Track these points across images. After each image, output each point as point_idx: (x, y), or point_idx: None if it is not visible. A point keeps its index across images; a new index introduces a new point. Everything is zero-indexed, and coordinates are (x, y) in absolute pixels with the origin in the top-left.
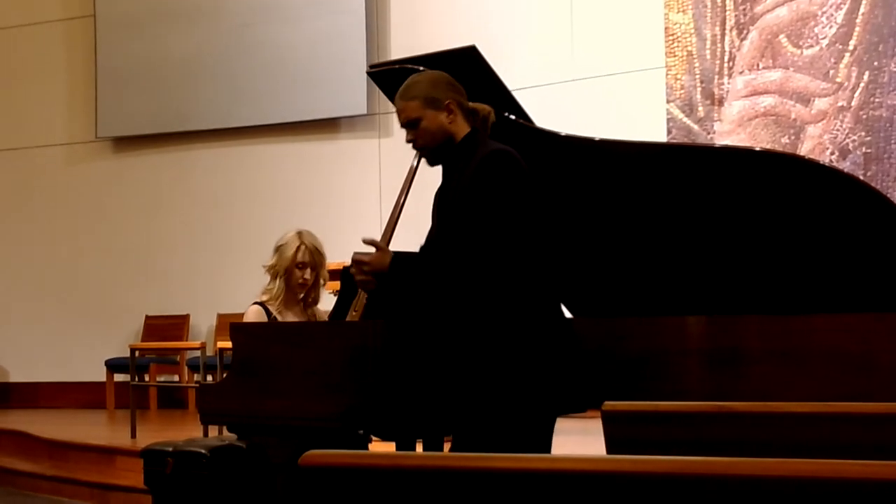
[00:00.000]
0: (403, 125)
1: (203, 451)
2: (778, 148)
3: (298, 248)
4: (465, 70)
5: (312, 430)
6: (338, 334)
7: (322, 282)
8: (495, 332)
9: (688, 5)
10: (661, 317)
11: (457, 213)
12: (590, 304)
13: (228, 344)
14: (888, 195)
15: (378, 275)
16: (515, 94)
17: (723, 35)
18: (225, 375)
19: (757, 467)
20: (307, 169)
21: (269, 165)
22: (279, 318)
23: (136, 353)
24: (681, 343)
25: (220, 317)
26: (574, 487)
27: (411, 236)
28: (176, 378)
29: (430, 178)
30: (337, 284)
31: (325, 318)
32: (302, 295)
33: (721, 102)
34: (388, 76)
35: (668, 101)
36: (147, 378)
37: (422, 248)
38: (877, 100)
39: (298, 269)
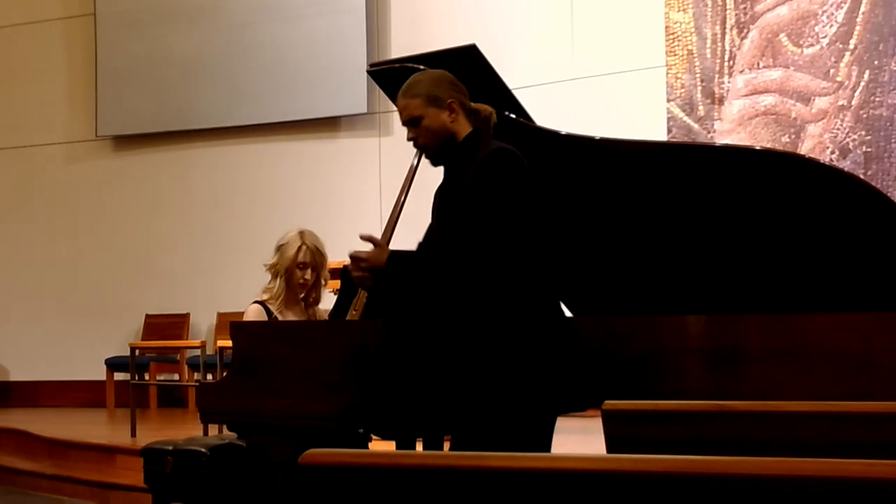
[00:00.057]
0: (405, 123)
1: (203, 449)
2: (778, 147)
3: (300, 248)
4: (466, 69)
5: (312, 429)
6: (338, 333)
7: (323, 282)
8: (495, 330)
9: (688, 4)
10: (661, 316)
11: (458, 211)
12: (590, 303)
13: (228, 343)
14: (888, 194)
15: (375, 271)
16: (516, 94)
17: (723, 34)
18: (225, 374)
19: (757, 466)
20: (307, 168)
21: (270, 164)
22: (279, 318)
23: (137, 352)
24: (681, 342)
25: (221, 316)
26: (574, 487)
27: (412, 235)
28: (176, 377)
29: (431, 177)
30: (338, 283)
31: (326, 317)
32: (303, 295)
33: (721, 101)
34: (389, 75)
35: (668, 100)
36: (147, 377)
37: (419, 245)
38: (877, 99)
39: (299, 269)
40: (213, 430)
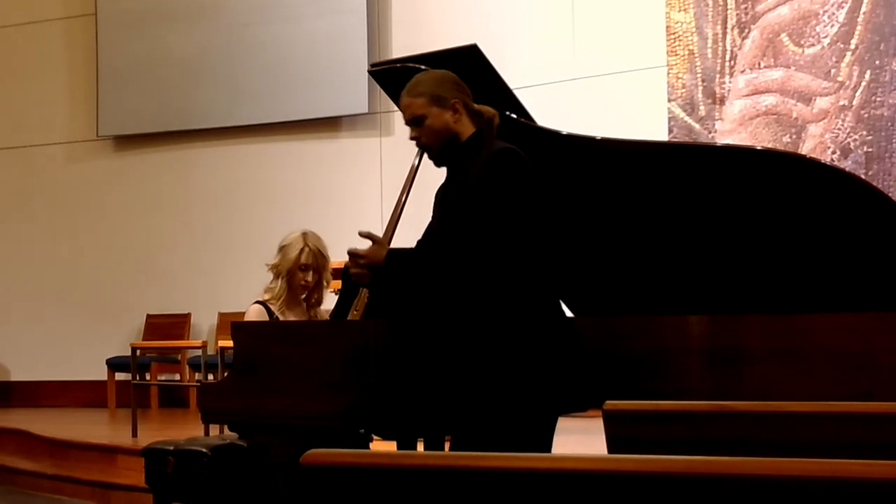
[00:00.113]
0: (408, 122)
1: (204, 449)
2: (779, 147)
3: (302, 250)
4: (467, 69)
5: (313, 429)
6: (339, 333)
7: (325, 283)
8: (496, 330)
9: (689, 4)
10: (662, 316)
11: (460, 210)
12: (591, 303)
13: (229, 343)
14: (889, 194)
15: (373, 269)
16: (517, 93)
17: (724, 34)
18: (226, 374)
19: (758, 466)
20: (308, 168)
21: (271, 164)
22: (281, 318)
23: (138, 352)
24: (682, 342)
25: (222, 316)
26: (575, 487)
27: (413, 235)
28: (177, 377)
29: (432, 177)
30: (340, 284)
31: (327, 318)
32: (304, 296)
33: (722, 101)
34: (390, 75)
35: (669, 100)
36: (148, 377)
37: (419, 243)
38: (878, 99)
39: (301, 271)
40: (214, 430)
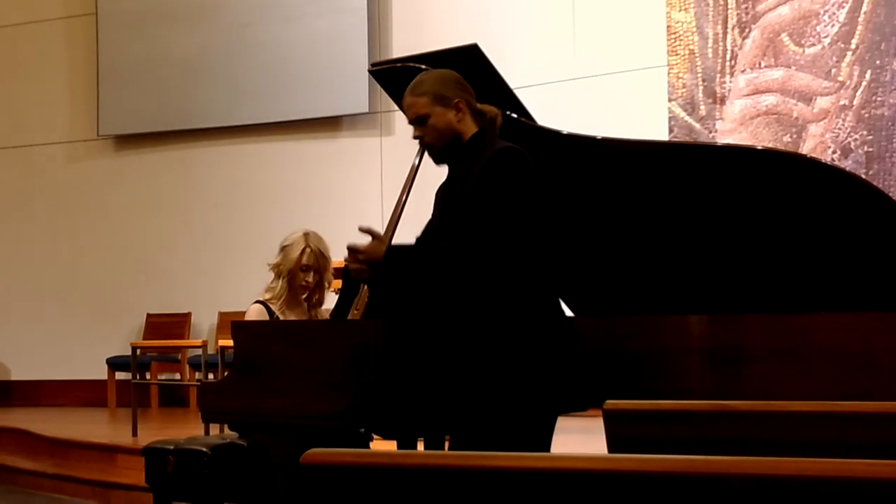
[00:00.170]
0: (411, 121)
1: (204, 449)
2: (780, 147)
3: (303, 250)
4: (468, 68)
5: (314, 429)
6: (339, 333)
7: (326, 284)
8: (496, 330)
9: (690, 4)
10: (662, 316)
11: (462, 208)
12: (591, 303)
13: (230, 342)
14: (890, 194)
15: (372, 264)
16: (517, 93)
17: (725, 33)
18: (226, 374)
19: (758, 466)
20: (309, 167)
21: (271, 164)
22: (281, 318)
23: (138, 352)
24: (682, 342)
25: (222, 315)
26: (575, 486)
27: (413, 235)
28: (177, 376)
29: (432, 176)
30: (340, 283)
31: (328, 318)
32: (305, 296)
33: (723, 101)
34: (390, 75)
35: (669, 100)
36: (148, 376)
37: (418, 240)
38: (879, 98)
39: (302, 271)
40: (214, 429)
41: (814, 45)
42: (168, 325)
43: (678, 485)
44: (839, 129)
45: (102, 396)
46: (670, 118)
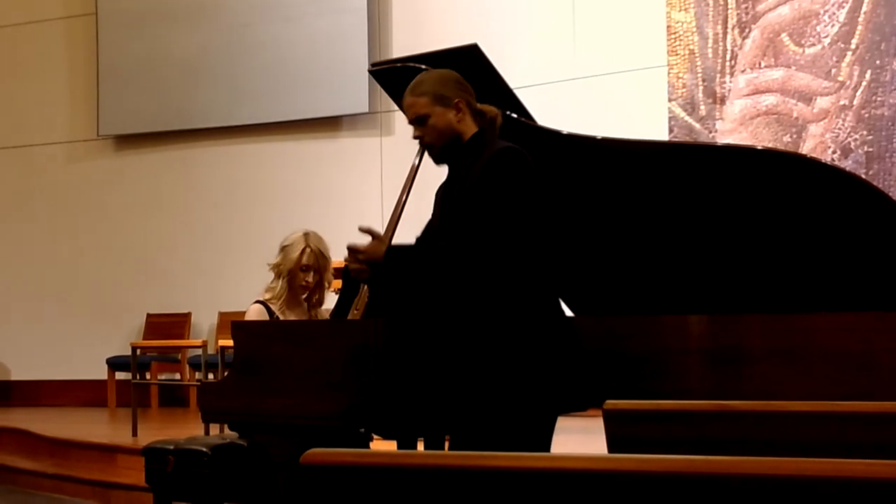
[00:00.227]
0: (411, 121)
1: (204, 449)
2: (780, 147)
3: (304, 250)
4: (468, 68)
5: (314, 429)
6: (339, 333)
7: (326, 284)
8: (496, 330)
9: (690, 4)
10: (662, 316)
11: (462, 208)
12: (591, 303)
13: (230, 342)
14: (890, 194)
15: (372, 264)
16: (517, 93)
17: (725, 33)
18: (226, 374)
19: (758, 466)
20: (309, 167)
21: (271, 164)
22: (281, 318)
23: (138, 352)
24: (682, 342)
25: (222, 315)
26: (575, 486)
27: (413, 235)
28: (177, 376)
29: (432, 176)
30: (340, 283)
31: (328, 318)
32: (305, 296)
33: (723, 101)
34: (390, 75)
35: (669, 100)
36: (148, 376)
37: (418, 240)
38: (878, 98)
39: (302, 271)
40: (214, 429)
41: (814, 45)
42: (168, 325)
43: (678, 485)
44: (839, 129)
45: (102, 396)
46: (670, 118)
